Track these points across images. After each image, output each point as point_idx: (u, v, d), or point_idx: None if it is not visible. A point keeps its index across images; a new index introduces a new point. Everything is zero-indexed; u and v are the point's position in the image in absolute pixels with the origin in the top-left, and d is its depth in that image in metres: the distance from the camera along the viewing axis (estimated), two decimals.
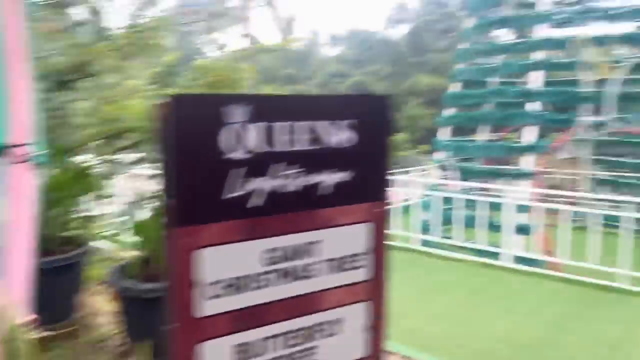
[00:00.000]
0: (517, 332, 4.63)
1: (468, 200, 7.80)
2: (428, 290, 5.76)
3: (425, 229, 8.88)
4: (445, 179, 9.69)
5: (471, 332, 4.63)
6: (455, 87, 10.17)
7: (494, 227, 7.47)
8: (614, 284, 5.87)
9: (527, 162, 8.44)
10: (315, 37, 67.71)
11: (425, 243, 7.95)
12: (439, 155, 9.95)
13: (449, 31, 38.03)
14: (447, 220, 8.60)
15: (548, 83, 9.14)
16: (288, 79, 48.98)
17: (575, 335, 4.60)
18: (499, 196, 7.52)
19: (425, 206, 9.48)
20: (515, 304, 5.37)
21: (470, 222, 7.74)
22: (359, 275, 1.62)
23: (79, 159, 3.79)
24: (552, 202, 8.02)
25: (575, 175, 11.76)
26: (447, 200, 8.79)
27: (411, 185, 11.03)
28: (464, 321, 4.89)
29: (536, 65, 8.53)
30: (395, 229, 7.90)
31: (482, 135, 10.06)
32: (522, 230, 7.68)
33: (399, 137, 26.17)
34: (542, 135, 8.90)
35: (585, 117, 8.78)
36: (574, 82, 9.13)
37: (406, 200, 10.82)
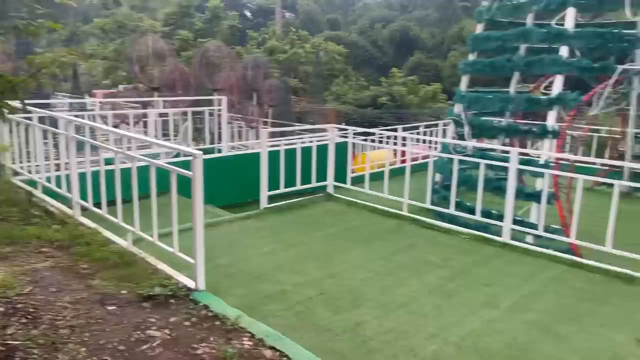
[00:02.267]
0: (488, 335, 3.68)
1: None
2: (402, 268, 4.84)
3: (435, 192, 7.87)
4: (460, 135, 8.51)
5: (434, 330, 3.72)
6: (479, 29, 8.75)
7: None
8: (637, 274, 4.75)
9: (553, 118, 7.12)
10: None
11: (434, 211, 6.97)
12: (456, 109, 8.75)
13: None
14: (461, 183, 7.53)
15: (580, 24, 7.60)
16: (330, 25, 47.08)
17: (565, 345, 3.60)
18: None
19: (438, 167, 8.41)
20: (500, 294, 4.38)
21: (487, 187, 6.64)
22: None
23: None
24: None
25: (613, 135, 10.23)
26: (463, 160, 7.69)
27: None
28: (430, 314, 3.98)
29: (569, 1, 7.05)
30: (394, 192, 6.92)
31: (511, 86, 8.71)
32: (533, 197, 6.52)
33: (434, 87, 24.40)
34: (574, 86, 7.48)
35: (630, 65, 7.30)
36: (616, 23, 7.58)
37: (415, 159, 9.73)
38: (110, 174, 4.65)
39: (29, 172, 6.28)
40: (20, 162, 6.44)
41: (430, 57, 35.53)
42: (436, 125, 12.51)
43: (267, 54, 25.41)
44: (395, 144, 10.87)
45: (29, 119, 6.16)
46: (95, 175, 4.95)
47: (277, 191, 6.86)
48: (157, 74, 9.48)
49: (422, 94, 23.40)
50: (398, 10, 47.77)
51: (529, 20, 8.37)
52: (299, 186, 7.11)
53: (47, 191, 5.90)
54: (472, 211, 6.39)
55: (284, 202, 6.84)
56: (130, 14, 27.92)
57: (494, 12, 8.34)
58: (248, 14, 52.68)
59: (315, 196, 7.28)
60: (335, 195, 7.44)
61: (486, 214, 6.37)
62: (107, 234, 4.81)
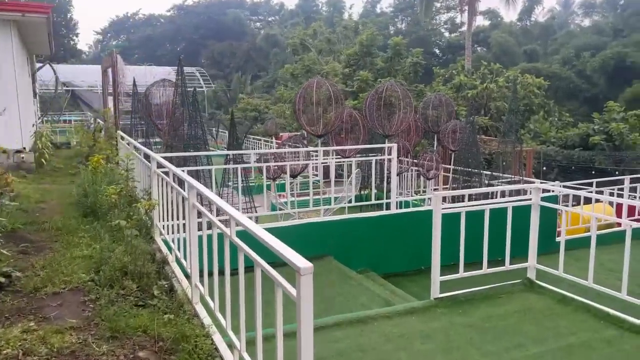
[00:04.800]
0: None
1: None
2: None
3: None
4: None
5: None
6: None
7: None
8: None
9: None
10: (565, 6, 58.69)
11: None
12: None
13: None
14: None
15: None
16: (527, 57, 43.11)
17: None
18: None
19: None
20: None
21: None
22: None
23: None
24: None
25: None
26: None
27: None
28: None
29: None
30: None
31: None
32: None
33: None
34: None
35: None
36: None
37: None
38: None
39: (168, 232, 5.57)
40: (164, 220, 5.80)
41: None
42: None
43: (454, 90, 23.52)
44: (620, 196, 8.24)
45: (167, 173, 5.46)
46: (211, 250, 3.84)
47: (455, 275, 5.05)
48: (323, 119, 8.58)
49: None
50: (610, 35, 41.66)
51: None
52: (485, 269, 5.19)
53: (179, 261, 5.06)
54: None
55: (462, 292, 4.99)
56: (317, 59, 28.68)
57: None
58: (436, 51, 51.37)
59: (509, 284, 5.26)
60: (539, 282, 5.30)
61: None
62: (217, 338, 3.62)
